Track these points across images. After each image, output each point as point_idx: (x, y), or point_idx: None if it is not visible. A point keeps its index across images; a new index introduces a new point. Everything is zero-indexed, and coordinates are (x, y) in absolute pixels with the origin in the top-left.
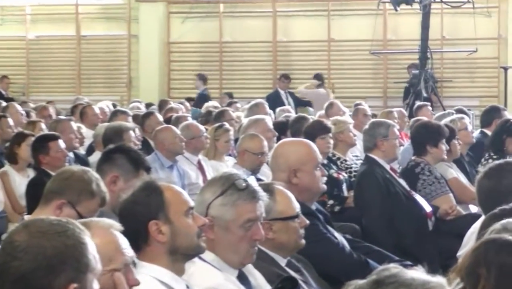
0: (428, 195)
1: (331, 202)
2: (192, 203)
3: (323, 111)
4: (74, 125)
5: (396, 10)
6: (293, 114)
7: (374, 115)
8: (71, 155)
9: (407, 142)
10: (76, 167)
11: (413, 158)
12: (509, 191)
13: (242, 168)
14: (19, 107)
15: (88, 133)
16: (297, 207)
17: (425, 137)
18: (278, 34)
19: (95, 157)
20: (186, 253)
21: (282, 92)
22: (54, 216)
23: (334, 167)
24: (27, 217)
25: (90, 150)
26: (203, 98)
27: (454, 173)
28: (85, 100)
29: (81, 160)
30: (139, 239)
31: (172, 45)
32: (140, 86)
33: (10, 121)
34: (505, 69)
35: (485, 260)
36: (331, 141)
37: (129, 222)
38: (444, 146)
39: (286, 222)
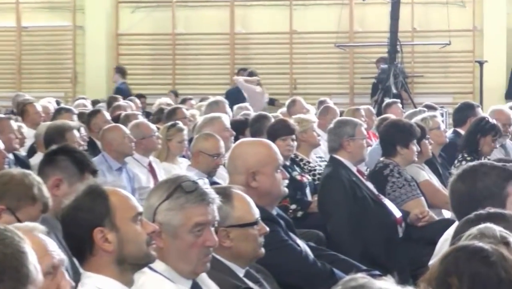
0: (397, 199)
1: (293, 206)
2: (140, 208)
3: (284, 109)
4: (14, 124)
5: None
6: (252, 112)
7: (339, 113)
8: (10, 156)
9: (375, 143)
10: (16, 170)
11: (381, 159)
12: (485, 195)
13: (196, 171)
14: None
15: (29, 133)
16: (256, 212)
17: (395, 137)
18: (236, 25)
19: (37, 159)
20: (135, 262)
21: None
22: None
23: (297, 168)
24: None
25: (32, 151)
26: (119, 92)
27: (426, 175)
28: (26, 97)
29: (22, 162)
30: (83, 247)
31: (120, 37)
32: (86, 82)
33: None
34: (481, 63)
35: (456, 269)
36: (294, 143)
37: (73, 229)
38: (415, 147)
39: (245, 229)
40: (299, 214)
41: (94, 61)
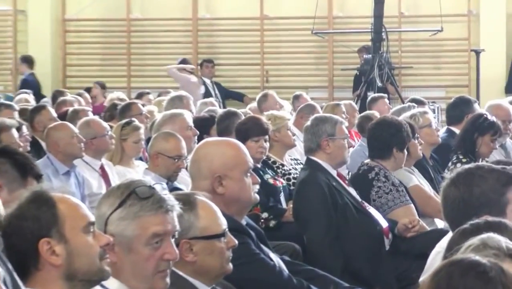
0: (384, 206)
1: (265, 215)
2: (92, 218)
3: (254, 105)
4: None
5: None
6: (218, 109)
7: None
8: None
9: (357, 143)
10: None
11: (366, 161)
12: (482, 202)
13: (155, 175)
14: None
15: None
16: (223, 222)
17: (393, 139)
18: (200, 10)
19: None
20: (86, 278)
21: (207, 81)
22: None
23: (269, 171)
24: None
25: None
26: (26, 85)
27: (415, 179)
28: None
29: None
30: (27, 261)
31: (68, 23)
32: None
33: None
34: (477, 52)
35: (450, 286)
36: (267, 144)
37: (15, 241)
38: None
39: (210, 242)
40: (272, 223)
41: (38, 50)
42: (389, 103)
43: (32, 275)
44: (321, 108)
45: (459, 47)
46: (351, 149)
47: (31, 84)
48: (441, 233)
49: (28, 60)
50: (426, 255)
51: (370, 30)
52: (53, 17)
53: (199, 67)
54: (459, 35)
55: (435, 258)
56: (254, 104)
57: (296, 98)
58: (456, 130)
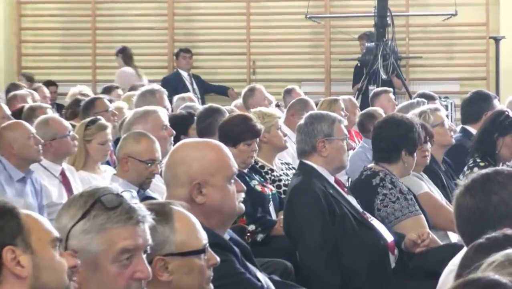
0: (390, 217)
1: (252, 227)
2: (58, 234)
3: (239, 101)
4: None
5: None
6: (197, 105)
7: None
8: None
9: (359, 144)
10: None
11: (369, 165)
12: (501, 213)
13: (124, 181)
14: None
15: None
16: (203, 237)
17: (403, 140)
18: None
19: None
20: None
21: (184, 73)
22: None
23: (256, 177)
24: None
25: None
26: None
27: (425, 186)
28: None
29: None
30: None
31: (23, 6)
32: None
33: None
34: (496, 40)
35: None
36: (256, 148)
37: None
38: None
39: (188, 259)
40: (260, 237)
41: None
42: (395, 98)
43: None
44: (316, 104)
45: (476, 34)
46: (351, 152)
47: None
48: (455, 249)
49: None
50: (437, 273)
51: (373, 14)
52: None
53: (174, 57)
54: (476, 20)
55: (448, 277)
56: (239, 100)
57: (288, 93)
58: (473, 130)
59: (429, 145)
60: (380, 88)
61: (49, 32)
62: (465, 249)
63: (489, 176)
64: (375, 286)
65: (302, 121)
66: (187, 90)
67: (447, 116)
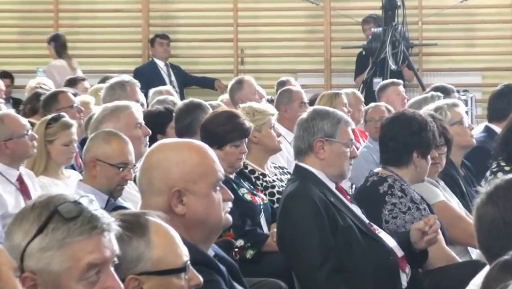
0: (400, 229)
1: (240, 242)
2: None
3: (226, 95)
4: None
5: None
6: (177, 100)
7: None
8: None
9: (362, 145)
10: None
11: (376, 170)
12: None
13: (92, 188)
14: None
15: None
16: (184, 253)
17: (414, 139)
18: None
19: None
20: None
21: (160, 63)
22: None
23: (246, 184)
24: None
25: None
26: None
27: (441, 194)
28: None
29: None
30: None
31: None
32: None
33: None
34: None
35: None
36: (245, 150)
37: None
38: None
39: (166, 278)
40: (250, 254)
41: None
42: (406, 92)
43: None
44: (315, 99)
45: (500, 17)
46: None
47: None
48: (476, 266)
49: None
50: None
51: None
52: None
53: (149, 44)
54: (500, 0)
55: None
56: (225, 96)
57: (282, 85)
58: (497, 129)
59: (445, 149)
60: (388, 80)
61: (4, 15)
62: (487, 267)
63: None
64: None
65: (304, 115)
66: (164, 83)
67: (466, 112)
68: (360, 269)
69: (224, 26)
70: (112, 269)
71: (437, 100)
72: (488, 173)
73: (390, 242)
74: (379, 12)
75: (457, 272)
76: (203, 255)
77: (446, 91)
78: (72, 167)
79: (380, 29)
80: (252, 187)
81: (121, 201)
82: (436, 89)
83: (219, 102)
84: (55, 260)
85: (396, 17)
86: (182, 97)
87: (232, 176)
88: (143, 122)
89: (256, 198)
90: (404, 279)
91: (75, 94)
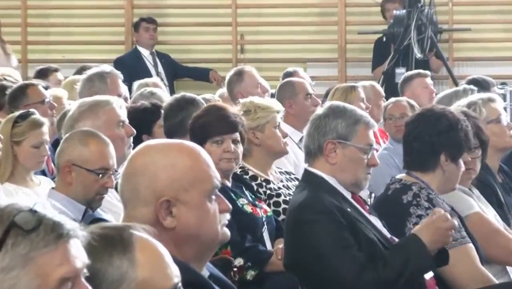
0: None
1: (239, 261)
2: None
3: (224, 90)
4: None
5: None
6: (165, 94)
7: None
8: None
9: (382, 147)
10: None
11: (399, 176)
12: None
13: (66, 197)
14: None
15: None
16: (174, 273)
17: (442, 140)
18: None
19: None
20: None
21: (145, 51)
22: None
23: (246, 193)
24: None
25: None
26: None
27: (476, 205)
28: None
29: None
30: None
31: None
32: None
33: None
34: None
35: None
36: (239, 148)
37: None
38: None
39: None
40: (251, 274)
41: None
42: (434, 85)
43: None
44: (328, 93)
45: None
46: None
47: None
48: None
49: None
50: None
51: None
52: None
53: (133, 29)
54: None
55: None
56: (223, 90)
57: (288, 77)
58: None
59: (479, 152)
60: (413, 71)
61: None
62: None
63: None
64: None
65: (319, 111)
66: (150, 74)
67: (504, 109)
68: None
69: (221, 8)
70: (83, 280)
71: (470, 95)
72: None
73: None
74: None
75: None
76: (196, 276)
77: (483, 85)
78: (43, 173)
79: (404, 11)
80: (253, 196)
81: (100, 212)
82: (470, 82)
83: (212, 96)
84: (21, 279)
85: None
86: (171, 91)
87: (229, 183)
88: (126, 121)
89: (258, 210)
90: None
91: (46, 88)
